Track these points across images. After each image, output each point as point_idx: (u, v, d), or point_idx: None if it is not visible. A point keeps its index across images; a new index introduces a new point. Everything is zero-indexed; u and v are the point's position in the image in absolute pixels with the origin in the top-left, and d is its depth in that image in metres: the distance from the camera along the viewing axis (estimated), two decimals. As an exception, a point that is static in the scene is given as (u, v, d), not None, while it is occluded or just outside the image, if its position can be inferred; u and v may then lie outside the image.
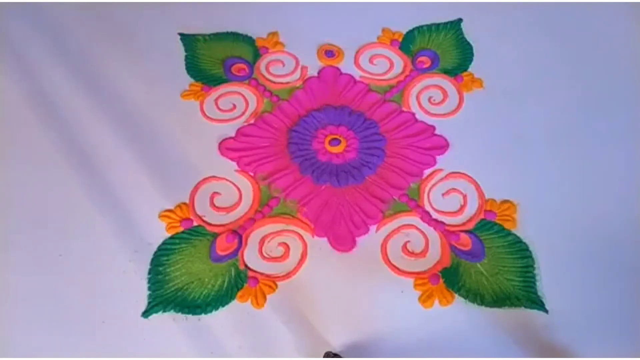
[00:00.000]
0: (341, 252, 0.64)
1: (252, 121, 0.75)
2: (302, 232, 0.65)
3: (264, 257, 0.63)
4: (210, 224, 0.65)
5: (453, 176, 0.70)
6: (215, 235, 0.64)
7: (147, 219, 0.65)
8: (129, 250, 0.62)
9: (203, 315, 0.59)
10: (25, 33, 0.82)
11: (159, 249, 0.63)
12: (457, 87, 0.78)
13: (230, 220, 0.66)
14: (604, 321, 0.59)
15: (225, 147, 0.72)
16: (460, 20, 0.86)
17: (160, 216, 0.65)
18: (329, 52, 0.82)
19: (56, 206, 0.66)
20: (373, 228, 0.65)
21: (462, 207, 0.67)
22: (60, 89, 0.76)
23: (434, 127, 0.74)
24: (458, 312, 0.59)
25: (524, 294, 0.60)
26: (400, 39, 0.84)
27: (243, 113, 0.75)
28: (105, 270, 0.61)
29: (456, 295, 0.60)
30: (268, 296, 0.60)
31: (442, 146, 0.72)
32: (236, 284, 0.61)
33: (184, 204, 0.66)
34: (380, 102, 0.77)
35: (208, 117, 0.75)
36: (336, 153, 0.71)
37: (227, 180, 0.69)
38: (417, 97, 0.78)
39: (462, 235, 0.65)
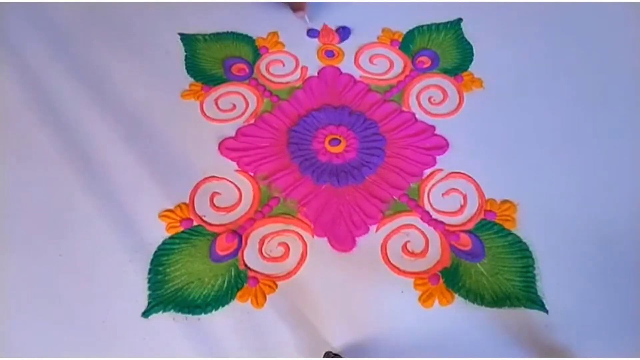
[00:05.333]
0: (341, 252, 0.64)
1: (252, 121, 0.75)
2: (302, 232, 0.65)
3: (264, 257, 0.63)
4: (210, 224, 0.65)
5: (453, 176, 0.70)
6: (215, 235, 0.64)
7: (147, 219, 0.65)
8: (129, 250, 0.62)
9: (203, 315, 0.59)
10: (25, 33, 0.82)
11: (159, 249, 0.63)
12: (457, 87, 0.78)
13: (230, 220, 0.66)
14: (604, 321, 0.59)
15: (225, 147, 0.72)
16: (460, 20, 0.87)
17: (160, 216, 0.65)
18: (329, 52, 0.82)
19: (56, 206, 0.65)
20: (373, 228, 0.65)
21: (462, 207, 0.67)
22: (60, 89, 0.76)
23: (434, 127, 0.74)
24: (458, 312, 0.59)
25: (524, 294, 0.60)
26: (400, 39, 0.84)
27: (243, 113, 0.75)
28: (105, 270, 0.61)
29: (456, 295, 0.60)
30: (268, 296, 0.60)
31: (442, 146, 0.72)
32: (236, 284, 0.61)
33: (184, 204, 0.66)
34: (380, 102, 0.77)
35: (208, 117, 0.75)
36: (336, 153, 0.71)
37: (227, 180, 0.69)
38: (417, 97, 0.78)
39: (462, 235, 0.65)
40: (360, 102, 0.77)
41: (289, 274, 0.62)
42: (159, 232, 0.64)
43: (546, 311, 0.59)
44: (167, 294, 0.60)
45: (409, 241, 0.64)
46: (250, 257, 0.63)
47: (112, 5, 0.86)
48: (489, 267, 0.62)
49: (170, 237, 0.64)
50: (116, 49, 0.81)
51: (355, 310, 0.59)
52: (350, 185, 0.69)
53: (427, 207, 0.67)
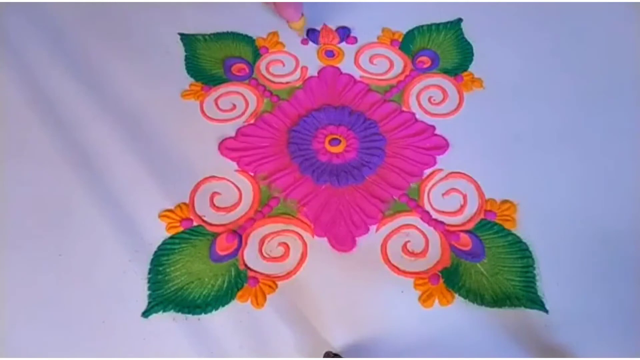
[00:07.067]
0: (341, 252, 0.64)
1: (252, 121, 0.75)
2: (302, 232, 0.65)
3: (264, 257, 0.63)
4: (210, 224, 0.65)
5: (453, 176, 0.70)
6: (215, 235, 0.64)
7: (147, 219, 0.65)
8: (129, 250, 0.62)
9: (203, 315, 0.59)
10: (25, 32, 0.82)
11: (159, 249, 0.63)
12: (457, 87, 0.78)
13: (230, 220, 0.66)
14: (604, 321, 0.59)
15: (225, 147, 0.72)
16: (460, 20, 0.86)
17: (160, 216, 0.65)
18: (329, 52, 0.82)
19: (56, 206, 0.66)
20: (373, 228, 0.65)
21: (462, 207, 0.67)
22: (60, 88, 0.76)
23: (434, 127, 0.74)
24: (458, 312, 0.59)
25: (524, 293, 0.60)
26: (400, 39, 0.84)
27: (243, 113, 0.75)
28: (105, 270, 0.61)
29: (456, 295, 0.60)
30: (268, 296, 0.60)
31: (442, 146, 0.72)
32: (236, 284, 0.61)
33: (184, 204, 0.66)
34: (380, 102, 0.77)
35: (208, 117, 0.75)
36: (336, 153, 0.71)
37: (227, 180, 0.69)
38: (417, 97, 0.78)
39: (462, 235, 0.65)
40: (360, 102, 0.77)
41: (289, 274, 0.62)
42: (159, 232, 0.64)
43: (546, 311, 0.59)
44: (167, 294, 0.60)
45: (409, 241, 0.64)
46: (250, 257, 0.63)
47: (112, 6, 0.86)
48: (489, 267, 0.62)
49: (171, 237, 0.64)
50: (116, 49, 0.81)
51: (355, 310, 0.59)
52: (350, 185, 0.69)
53: (427, 207, 0.67)
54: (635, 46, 0.83)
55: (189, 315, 0.58)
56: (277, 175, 0.69)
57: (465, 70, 0.80)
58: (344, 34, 0.84)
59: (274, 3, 0.79)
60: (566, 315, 0.59)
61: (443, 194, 0.68)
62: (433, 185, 0.69)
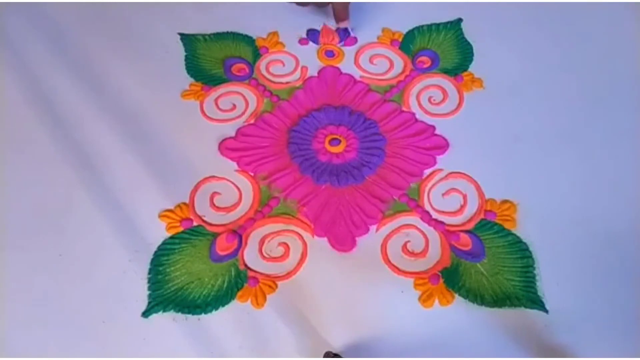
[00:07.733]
0: (341, 252, 0.64)
1: (252, 121, 0.75)
2: (302, 232, 0.65)
3: (264, 257, 0.63)
4: (210, 224, 0.65)
5: (453, 176, 0.70)
6: (215, 235, 0.64)
7: (147, 219, 0.65)
8: (129, 250, 0.62)
9: (203, 315, 0.59)
10: (25, 32, 0.82)
11: (159, 249, 0.63)
12: (457, 87, 0.78)
13: (230, 220, 0.66)
14: (604, 321, 0.59)
15: (225, 147, 0.72)
16: (460, 20, 0.87)
17: (160, 216, 0.65)
18: (329, 52, 0.82)
19: (56, 206, 0.66)
20: (373, 228, 0.65)
21: (462, 207, 0.67)
22: (60, 88, 0.76)
23: (434, 127, 0.74)
24: (458, 312, 0.59)
25: (524, 293, 0.60)
26: (400, 39, 0.84)
27: (243, 113, 0.75)
28: (105, 270, 0.61)
29: (456, 295, 0.60)
30: (268, 296, 0.60)
31: (442, 146, 0.72)
32: (236, 284, 0.61)
33: (184, 204, 0.66)
34: (380, 102, 0.77)
35: (208, 117, 0.75)
36: (336, 153, 0.72)
37: (227, 180, 0.69)
38: (417, 97, 0.78)
39: (462, 235, 0.65)
40: (360, 102, 0.77)
41: (289, 274, 0.62)
42: (159, 232, 0.64)
43: (546, 311, 0.59)
44: (167, 294, 0.60)
45: (409, 241, 0.64)
46: (250, 257, 0.63)
47: (112, 5, 0.86)
48: (489, 267, 0.62)
49: (171, 237, 0.64)
50: (116, 49, 0.81)
51: (355, 310, 0.59)
52: (350, 185, 0.69)
53: (427, 207, 0.67)
54: (635, 46, 0.83)
55: (189, 315, 0.58)
56: (277, 175, 0.69)
57: (465, 70, 0.80)
58: (344, 34, 0.84)
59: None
60: (566, 315, 0.59)
61: (443, 194, 0.68)
62: (433, 185, 0.69)
